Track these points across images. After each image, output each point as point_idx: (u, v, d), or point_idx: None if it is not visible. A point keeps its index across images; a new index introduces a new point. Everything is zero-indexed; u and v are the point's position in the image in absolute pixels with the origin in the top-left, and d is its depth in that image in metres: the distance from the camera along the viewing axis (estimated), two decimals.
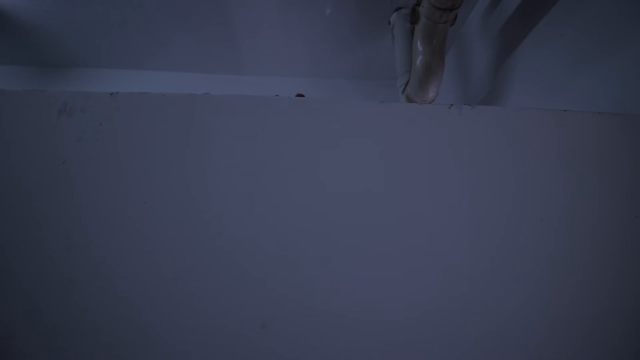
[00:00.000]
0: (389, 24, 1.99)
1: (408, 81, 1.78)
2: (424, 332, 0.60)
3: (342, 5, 1.96)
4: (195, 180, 0.65)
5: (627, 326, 0.63)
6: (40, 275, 0.58)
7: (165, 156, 0.66)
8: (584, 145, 0.74)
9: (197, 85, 2.36)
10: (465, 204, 0.68)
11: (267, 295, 0.60)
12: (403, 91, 1.83)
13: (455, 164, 0.70)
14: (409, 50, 1.80)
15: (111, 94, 0.69)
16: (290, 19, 2.04)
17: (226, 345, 0.57)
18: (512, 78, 1.56)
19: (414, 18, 1.66)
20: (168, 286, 0.59)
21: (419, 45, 1.64)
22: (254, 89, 2.34)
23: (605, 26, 1.11)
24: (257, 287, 0.60)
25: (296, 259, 0.62)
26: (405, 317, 0.61)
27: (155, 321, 0.57)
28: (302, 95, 0.75)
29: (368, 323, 0.60)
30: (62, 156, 0.64)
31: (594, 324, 0.63)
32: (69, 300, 0.58)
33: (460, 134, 0.73)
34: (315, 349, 0.58)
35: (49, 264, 0.59)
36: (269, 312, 0.59)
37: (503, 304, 0.62)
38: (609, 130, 0.75)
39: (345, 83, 2.44)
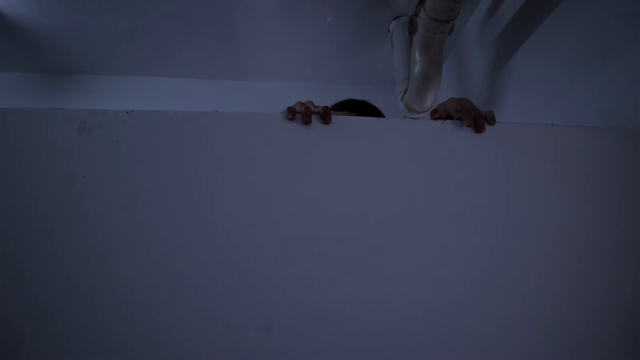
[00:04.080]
0: (389, 31, 2.02)
1: (407, 89, 1.82)
2: (424, 332, 0.64)
3: (342, 14, 2.00)
4: (206, 192, 0.70)
5: (618, 327, 0.67)
6: (63, 282, 0.63)
7: (178, 170, 0.71)
8: (569, 158, 0.78)
9: (203, 91, 2.40)
10: (461, 212, 0.72)
11: (273, 297, 0.64)
12: (402, 98, 1.87)
13: (452, 175, 0.75)
14: (408, 57, 1.83)
15: (127, 112, 0.74)
16: (292, 26, 2.08)
17: (234, 345, 0.61)
18: (507, 86, 1.60)
19: (411, 28, 1.71)
20: (180, 291, 0.63)
21: (417, 55, 1.68)
22: (257, 95, 2.38)
23: (597, 38, 1.15)
24: (264, 289, 0.64)
25: (304, 261, 0.66)
26: (407, 315, 0.65)
27: (167, 324, 0.61)
28: None
29: (373, 323, 0.64)
30: (82, 172, 0.69)
31: (588, 325, 0.67)
32: (89, 306, 0.62)
33: (454, 147, 0.77)
34: (322, 349, 0.62)
35: (71, 272, 0.64)
36: (275, 313, 0.63)
37: (501, 306, 0.66)
38: (593, 144, 0.80)
39: (346, 88, 2.47)
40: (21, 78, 2.31)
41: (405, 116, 1.89)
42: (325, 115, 0.76)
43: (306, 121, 0.76)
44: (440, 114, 0.82)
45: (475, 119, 0.78)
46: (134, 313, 0.62)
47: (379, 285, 0.66)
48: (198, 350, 0.60)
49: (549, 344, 0.65)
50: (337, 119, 0.78)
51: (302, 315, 0.63)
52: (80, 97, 2.28)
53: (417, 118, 1.86)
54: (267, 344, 0.61)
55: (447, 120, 0.80)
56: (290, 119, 0.76)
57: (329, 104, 1.02)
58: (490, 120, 0.79)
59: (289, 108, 0.78)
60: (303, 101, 0.82)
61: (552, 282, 0.69)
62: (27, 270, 0.63)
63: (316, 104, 0.81)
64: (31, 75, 2.32)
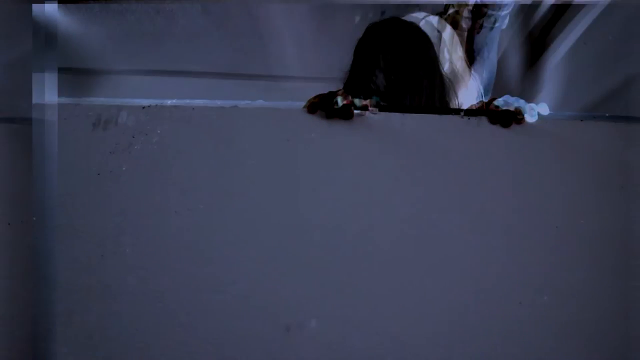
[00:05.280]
0: None
1: None
2: (436, 332, 0.63)
3: (368, 12, 1.97)
4: (225, 190, 0.68)
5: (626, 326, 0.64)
6: (77, 280, 0.62)
7: (196, 167, 0.69)
8: (598, 152, 0.74)
9: (230, 92, 2.39)
10: (470, 210, 0.69)
11: (293, 298, 0.62)
12: None
13: (480, 170, 0.72)
14: None
15: (143, 107, 0.72)
16: (320, 26, 2.06)
17: (252, 346, 0.59)
18: (539, 84, 1.56)
19: (446, 23, 1.67)
20: (198, 291, 0.62)
21: (446, 53, 1.64)
22: (285, 95, 2.36)
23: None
24: (283, 290, 0.62)
25: (324, 262, 0.65)
26: (421, 315, 0.63)
27: (184, 324, 0.60)
28: None
29: (392, 324, 0.63)
30: (96, 168, 0.68)
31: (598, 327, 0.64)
32: (102, 305, 0.61)
33: (481, 142, 0.74)
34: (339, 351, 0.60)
35: (85, 270, 0.62)
36: (294, 315, 0.61)
37: (519, 309, 0.64)
38: (623, 138, 0.75)
39: None
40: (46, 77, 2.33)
41: None
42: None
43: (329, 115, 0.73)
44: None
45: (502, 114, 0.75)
46: (150, 312, 0.61)
47: (398, 286, 0.64)
48: (217, 350, 0.59)
49: (558, 345, 0.63)
50: (360, 114, 0.74)
51: (320, 317, 0.62)
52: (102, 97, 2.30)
53: None
54: (286, 345, 0.60)
55: (472, 117, 0.76)
56: (311, 113, 0.73)
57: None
58: (518, 115, 0.75)
59: (310, 102, 0.75)
60: (324, 92, 0.80)
61: (580, 285, 0.66)
62: (40, 269, 0.62)
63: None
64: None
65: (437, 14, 1.69)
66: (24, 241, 0.64)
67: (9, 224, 0.66)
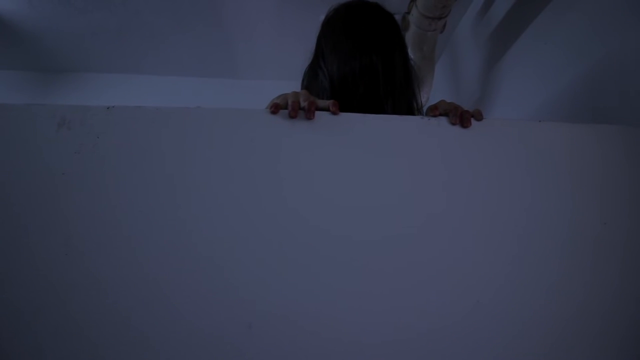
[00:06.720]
0: None
1: None
2: (408, 331, 0.63)
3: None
4: (187, 190, 0.68)
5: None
6: (41, 280, 0.62)
7: (159, 167, 0.70)
8: (556, 153, 0.77)
9: (195, 90, 2.38)
10: (450, 207, 0.71)
11: (253, 296, 0.63)
12: None
13: (439, 170, 0.74)
14: None
15: (107, 108, 0.72)
16: (285, 24, 2.07)
17: (213, 344, 0.60)
18: (501, 84, 1.59)
19: (404, 25, 1.69)
20: (161, 290, 0.62)
21: (410, 52, 1.67)
22: (250, 93, 2.36)
23: (588, 34, 1.14)
24: (244, 288, 0.63)
25: (288, 260, 0.65)
26: (396, 316, 0.64)
27: (146, 324, 0.60)
28: None
29: (358, 324, 0.63)
30: (61, 168, 0.68)
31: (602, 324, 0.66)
32: (65, 306, 0.61)
33: (440, 142, 0.77)
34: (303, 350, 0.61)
35: (49, 269, 0.62)
36: (255, 313, 0.62)
37: (490, 303, 0.66)
38: (578, 140, 0.79)
39: None
40: (9, 76, 2.29)
41: None
42: (308, 111, 0.75)
43: (292, 115, 0.75)
44: (440, 110, 0.80)
45: (461, 114, 0.78)
46: (112, 313, 0.61)
47: (362, 286, 0.65)
48: (178, 349, 0.59)
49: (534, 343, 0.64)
50: (322, 114, 0.77)
51: (281, 315, 0.62)
52: (69, 95, 2.26)
53: None
54: (247, 342, 0.60)
55: (432, 118, 0.79)
56: (273, 113, 0.75)
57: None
58: (477, 115, 0.78)
59: (273, 103, 0.77)
60: (287, 93, 0.81)
61: (537, 276, 0.68)
62: (2, 268, 0.62)
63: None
64: (20, 73, 2.30)
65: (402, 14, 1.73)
66: None
67: None
